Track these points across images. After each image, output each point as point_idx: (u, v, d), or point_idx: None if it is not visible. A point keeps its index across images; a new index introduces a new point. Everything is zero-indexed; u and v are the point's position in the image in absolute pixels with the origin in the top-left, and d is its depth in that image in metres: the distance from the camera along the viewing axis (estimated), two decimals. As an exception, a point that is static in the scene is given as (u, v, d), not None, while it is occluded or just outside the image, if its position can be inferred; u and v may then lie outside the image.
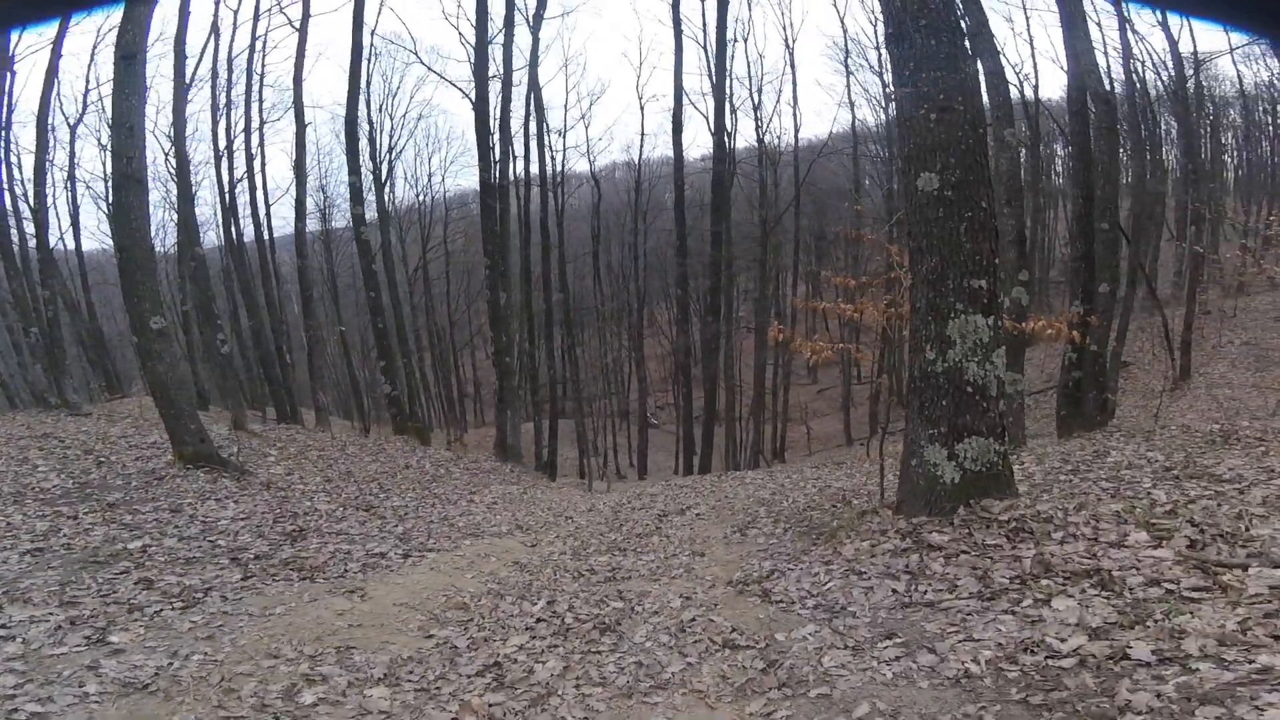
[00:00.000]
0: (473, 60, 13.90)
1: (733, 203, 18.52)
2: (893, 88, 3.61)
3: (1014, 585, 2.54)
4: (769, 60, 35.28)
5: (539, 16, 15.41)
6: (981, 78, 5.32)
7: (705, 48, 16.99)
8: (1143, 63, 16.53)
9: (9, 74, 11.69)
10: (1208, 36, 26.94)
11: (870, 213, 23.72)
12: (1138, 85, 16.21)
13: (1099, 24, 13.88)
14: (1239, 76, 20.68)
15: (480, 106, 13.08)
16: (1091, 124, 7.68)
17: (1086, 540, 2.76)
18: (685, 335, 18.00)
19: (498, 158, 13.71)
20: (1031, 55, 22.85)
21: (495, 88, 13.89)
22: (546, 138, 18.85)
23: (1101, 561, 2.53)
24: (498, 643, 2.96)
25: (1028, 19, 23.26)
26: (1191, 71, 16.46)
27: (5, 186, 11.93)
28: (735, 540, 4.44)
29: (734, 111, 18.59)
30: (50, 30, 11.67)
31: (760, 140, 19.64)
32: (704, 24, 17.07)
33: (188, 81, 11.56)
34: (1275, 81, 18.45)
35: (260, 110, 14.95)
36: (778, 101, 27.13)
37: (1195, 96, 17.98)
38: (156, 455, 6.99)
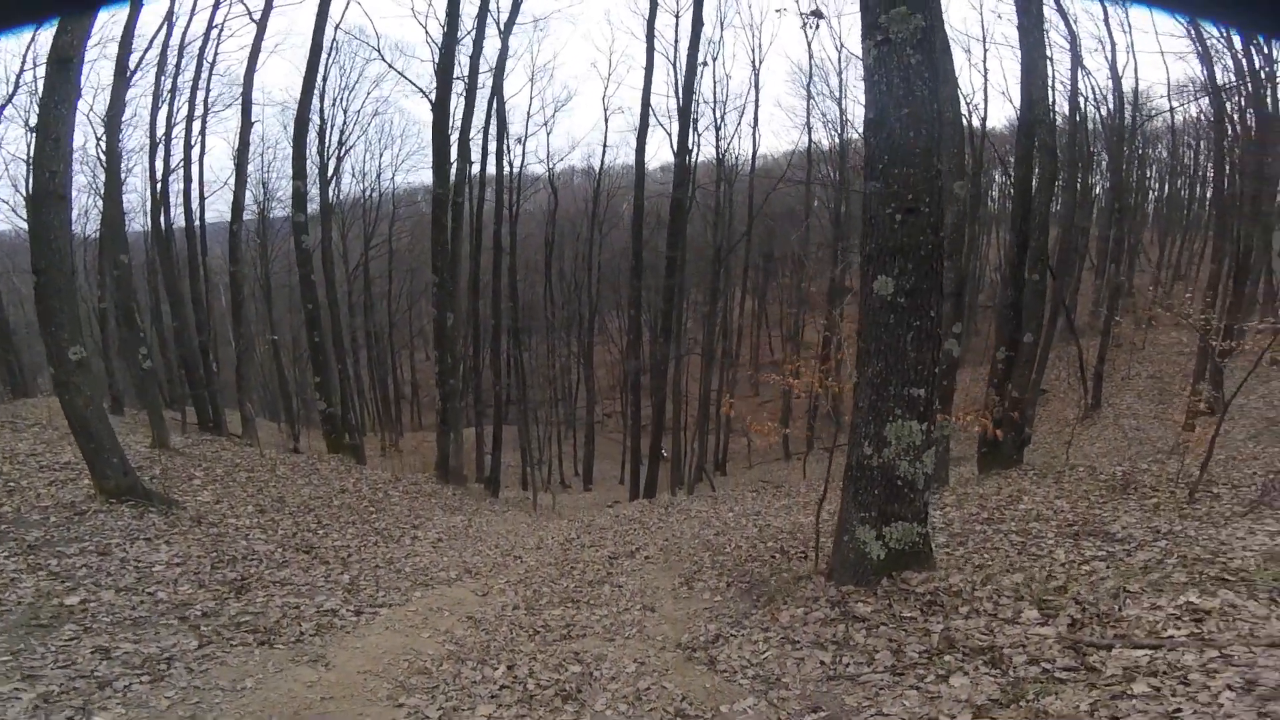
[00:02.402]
0: (437, 61, 13.06)
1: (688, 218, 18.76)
2: (864, 180, 3.77)
3: (922, 660, 2.88)
4: (735, 81, 36.14)
5: (510, 23, 15.10)
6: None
7: (675, 65, 16.99)
8: (1086, 98, 17.09)
9: None
10: (1148, 72, 29.19)
11: (818, 234, 24.88)
12: (1079, 119, 16.60)
13: (1051, 59, 13.81)
14: (1170, 113, 21.14)
15: (440, 111, 12.28)
16: (1034, 172, 7.94)
17: (987, 615, 3.18)
18: (636, 355, 18.22)
19: (454, 166, 13.33)
20: (985, 86, 24.32)
21: (458, 89, 13.25)
22: (507, 145, 18.46)
23: (997, 638, 2.90)
24: (466, 712, 3.12)
25: (985, 50, 24.69)
26: (1131, 110, 17.08)
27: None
28: (683, 594, 4.75)
29: (698, 133, 18.60)
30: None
31: (720, 162, 19.95)
32: (675, 39, 17.27)
33: (132, 69, 10.74)
34: (1204, 117, 18.80)
35: (206, 99, 14.06)
36: (739, 122, 27.86)
37: (1130, 129, 18.57)
38: (72, 480, 6.62)
